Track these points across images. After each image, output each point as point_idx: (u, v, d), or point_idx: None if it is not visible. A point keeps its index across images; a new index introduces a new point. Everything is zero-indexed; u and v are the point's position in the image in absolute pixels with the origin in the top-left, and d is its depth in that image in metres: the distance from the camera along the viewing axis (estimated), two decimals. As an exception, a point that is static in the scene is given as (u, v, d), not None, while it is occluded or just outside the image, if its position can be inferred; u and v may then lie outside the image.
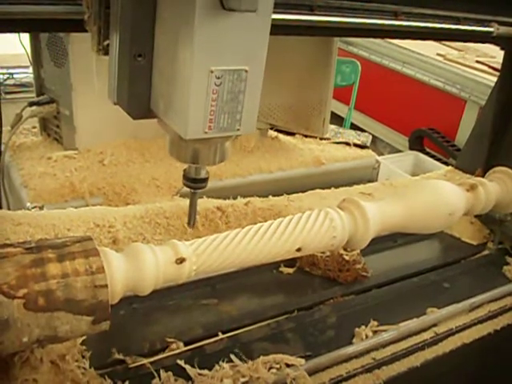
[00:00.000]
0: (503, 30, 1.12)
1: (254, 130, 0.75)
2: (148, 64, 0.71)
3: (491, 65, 3.49)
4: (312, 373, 0.86)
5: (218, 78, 0.67)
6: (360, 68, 3.01)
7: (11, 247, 0.64)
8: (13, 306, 0.60)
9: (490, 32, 1.11)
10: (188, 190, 0.93)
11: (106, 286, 0.65)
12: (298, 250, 0.85)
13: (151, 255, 0.72)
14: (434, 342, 1.00)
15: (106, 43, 0.72)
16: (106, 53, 0.73)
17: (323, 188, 1.44)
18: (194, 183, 0.89)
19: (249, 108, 0.72)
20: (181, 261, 0.74)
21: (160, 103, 0.72)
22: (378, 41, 4.00)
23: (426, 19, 1.03)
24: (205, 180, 0.89)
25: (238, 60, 0.67)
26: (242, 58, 0.67)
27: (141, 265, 0.71)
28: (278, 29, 0.72)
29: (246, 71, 0.68)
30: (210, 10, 0.62)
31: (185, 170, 0.89)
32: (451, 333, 1.02)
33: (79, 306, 0.64)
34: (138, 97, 0.73)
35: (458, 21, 1.07)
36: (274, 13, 0.68)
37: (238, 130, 0.73)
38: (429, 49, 3.83)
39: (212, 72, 0.66)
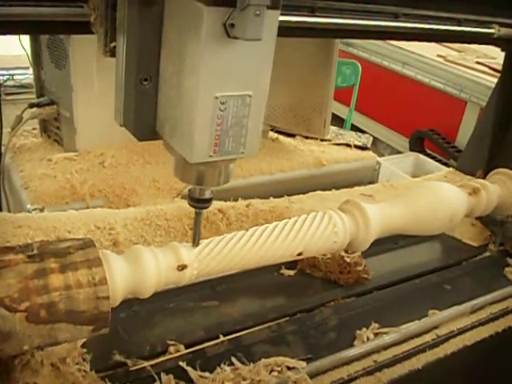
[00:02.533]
0: (504, 31, 1.12)
1: (257, 152, 0.76)
2: (154, 88, 0.72)
3: (491, 66, 3.49)
4: (313, 375, 0.86)
5: (223, 103, 0.67)
6: (360, 69, 3.01)
7: (13, 253, 0.63)
8: (15, 319, 0.60)
9: (491, 33, 1.11)
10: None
11: (108, 297, 0.66)
12: (300, 254, 0.85)
13: (152, 258, 0.72)
14: (436, 344, 0.99)
15: (112, 45, 0.72)
16: (113, 55, 0.73)
17: (324, 189, 1.44)
18: (199, 203, 0.90)
19: (252, 131, 0.73)
20: (182, 268, 0.74)
21: (166, 126, 0.73)
22: (378, 42, 4.00)
23: (426, 21, 1.03)
24: (209, 200, 0.90)
25: (242, 86, 0.68)
26: (246, 83, 0.68)
27: (142, 268, 0.71)
28: (279, 30, 0.72)
29: (250, 96, 0.69)
30: (216, 39, 0.62)
31: (189, 191, 0.90)
32: (453, 335, 1.02)
33: (80, 317, 0.64)
34: (144, 120, 0.73)
35: (458, 22, 1.07)
36: (276, 14, 0.68)
37: (243, 152, 0.74)
38: (429, 50, 3.84)
39: (217, 98, 0.67)
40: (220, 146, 0.71)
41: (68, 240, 0.69)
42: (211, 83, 0.65)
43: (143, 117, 0.73)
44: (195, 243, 1.00)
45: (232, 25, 0.62)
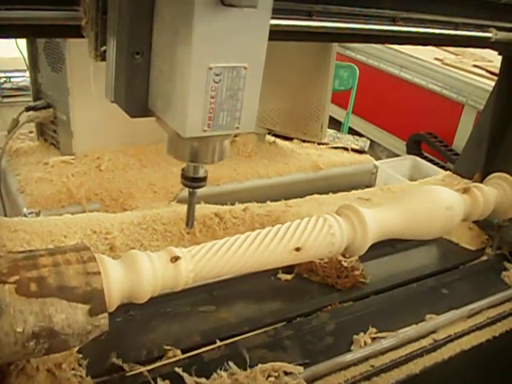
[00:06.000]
0: (501, 35, 1.12)
1: (253, 129, 0.74)
2: (146, 62, 0.70)
3: (488, 69, 3.50)
4: (310, 381, 0.86)
5: (217, 74, 0.66)
6: (358, 72, 3.01)
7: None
8: (4, 290, 0.59)
9: (488, 37, 1.11)
10: (186, 195, 0.92)
11: (99, 272, 0.65)
12: (297, 259, 0.85)
13: (148, 263, 0.72)
14: (433, 348, 0.99)
15: (102, 49, 0.71)
16: (103, 59, 0.72)
17: (321, 193, 1.44)
18: (193, 182, 0.89)
19: (248, 106, 0.71)
20: (176, 259, 0.74)
21: (158, 101, 0.71)
22: (375, 45, 4.01)
23: (424, 25, 1.03)
24: (203, 179, 0.89)
25: (237, 57, 0.67)
26: (242, 54, 0.67)
27: (138, 273, 0.70)
28: (276, 34, 0.72)
29: (245, 68, 0.68)
30: (210, 6, 0.61)
31: (183, 170, 0.88)
32: (450, 339, 1.02)
33: (73, 293, 0.63)
34: (135, 95, 0.72)
35: (456, 26, 1.07)
36: (273, 18, 0.67)
37: (238, 128, 0.72)
38: (426, 53, 3.84)
39: (211, 69, 0.65)
40: (214, 120, 0.70)
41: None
42: (205, 53, 0.64)
43: (135, 92, 0.72)
44: (189, 225, 0.99)
45: None
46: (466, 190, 1.12)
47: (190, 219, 1.01)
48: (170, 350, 0.87)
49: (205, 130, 0.70)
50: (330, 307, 1.05)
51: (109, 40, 0.70)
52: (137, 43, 0.69)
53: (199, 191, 0.95)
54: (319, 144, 1.88)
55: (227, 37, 0.65)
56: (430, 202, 1.02)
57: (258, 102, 0.73)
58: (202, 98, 0.67)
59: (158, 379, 0.81)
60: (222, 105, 0.69)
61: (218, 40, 0.64)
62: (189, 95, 0.66)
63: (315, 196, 1.42)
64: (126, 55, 0.69)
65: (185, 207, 1.03)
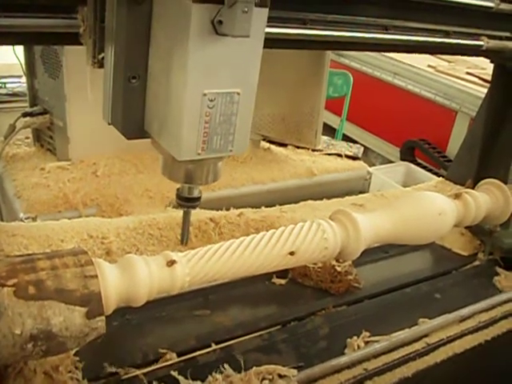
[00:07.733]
0: (493, 43, 1.13)
1: (245, 150, 0.76)
2: (142, 86, 0.72)
3: (481, 76, 3.53)
4: (304, 383, 0.86)
5: (211, 100, 0.68)
6: (352, 79, 3.03)
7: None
8: (3, 293, 0.60)
9: (480, 45, 1.12)
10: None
11: (96, 276, 0.66)
12: (291, 263, 0.86)
13: (144, 267, 0.73)
14: (426, 352, 1.00)
15: (100, 56, 0.73)
16: (101, 66, 0.74)
17: (315, 199, 1.45)
18: (187, 202, 0.90)
19: (241, 129, 0.73)
20: (171, 263, 0.75)
21: (154, 124, 0.73)
22: (369, 53, 4.03)
23: (416, 33, 1.05)
24: (198, 199, 0.91)
25: (230, 83, 0.69)
26: (235, 81, 0.69)
27: (134, 276, 0.71)
28: (270, 42, 0.73)
29: (239, 94, 0.70)
30: (204, 35, 0.63)
31: (178, 190, 0.90)
32: (442, 343, 1.03)
33: (71, 296, 0.64)
34: (132, 118, 0.74)
35: (448, 34, 1.09)
36: (268, 26, 0.69)
37: (231, 150, 0.74)
38: (420, 60, 3.87)
39: (205, 95, 0.67)
40: (208, 143, 0.71)
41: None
42: (199, 80, 0.66)
43: (131, 115, 0.74)
44: (184, 243, 1.01)
45: (220, 22, 0.63)
46: (457, 196, 1.13)
47: (184, 236, 1.03)
48: (165, 353, 0.88)
49: (199, 153, 0.72)
50: (323, 311, 1.06)
51: (106, 61, 0.72)
52: (133, 68, 0.71)
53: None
54: (313, 150, 1.89)
55: (221, 64, 0.67)
56: (423, 207, 1.03)
57: (250, 125, 0.75)
58: (196, 122, 0.69)
59: (154, 382, 0.81)
60: (215, 129, 0.71)
61: (212, 67, 0.66)
62: (183, 120, 0.68)
63: (309, 202, 1.43)
64: (122, 79, 0.71)
65: (180, 212, 1.03)
